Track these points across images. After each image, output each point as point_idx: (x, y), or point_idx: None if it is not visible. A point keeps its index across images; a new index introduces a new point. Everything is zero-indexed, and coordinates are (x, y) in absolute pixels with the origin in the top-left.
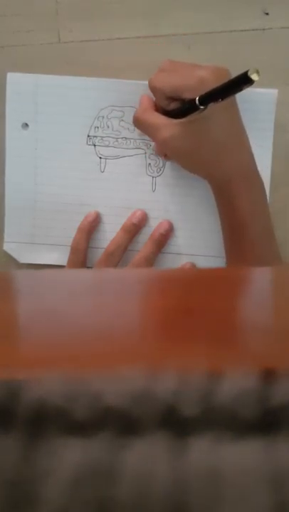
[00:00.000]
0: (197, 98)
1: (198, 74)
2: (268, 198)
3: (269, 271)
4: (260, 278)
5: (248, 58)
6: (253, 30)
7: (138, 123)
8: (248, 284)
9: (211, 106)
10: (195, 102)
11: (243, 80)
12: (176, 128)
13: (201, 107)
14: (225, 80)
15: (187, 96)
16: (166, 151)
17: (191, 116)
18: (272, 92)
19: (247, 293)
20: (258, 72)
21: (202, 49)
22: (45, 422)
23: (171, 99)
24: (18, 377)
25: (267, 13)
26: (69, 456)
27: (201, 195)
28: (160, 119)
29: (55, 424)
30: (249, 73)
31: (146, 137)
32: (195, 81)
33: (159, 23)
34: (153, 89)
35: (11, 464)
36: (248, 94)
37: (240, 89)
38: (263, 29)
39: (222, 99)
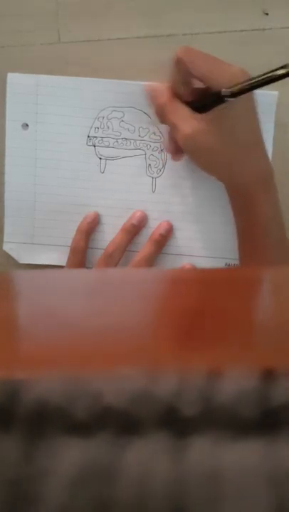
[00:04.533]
0: (229, 90)
1: (231, 69)
2: None
3: (268, 271)
4: (260, 278)
5: (248, 58)
6: (253, 30)
7: (162, 112)
8: (247, 284)
9: (233, 102)
10: (220, 94)
11: (283, 76)
12: (200, 123)
13: (226, 100)
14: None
15: (215, 87)
16: (186, 147)
17: (214, 111)
18: (273, 94)
19: (247, 293)
20: None
21: (202, 49)
22: (45, 421)
23: (188, 83)
24: (18, 377)
25: (267, 13)
26: (69, 456)
27: (201, 196)
28: (184, 111)
29: (55, 424)
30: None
31: (147, 138)
32: (229, 75)
33: (159, 23)
34: (181, 62)
35: (12, 463)
36: None
37: (273, 82)
38: (263, 29)
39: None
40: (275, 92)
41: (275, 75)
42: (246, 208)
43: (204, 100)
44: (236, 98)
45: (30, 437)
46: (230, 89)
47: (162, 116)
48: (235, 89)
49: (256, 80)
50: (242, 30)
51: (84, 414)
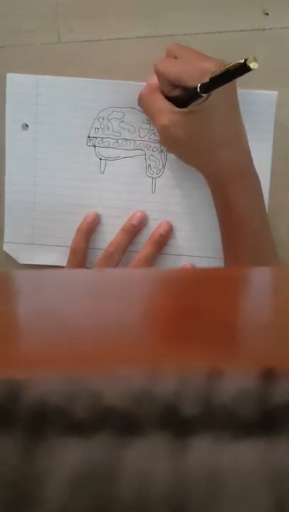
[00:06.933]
0: (198, 86)
1: (202, 65)
2: (267, 198)
3: (269, 271)
4: (260, 278)
5: None
6: (253, 30)
7: (142, 102)
8: (248, 284)
9: (213, 95)
10: (196, 90)
11: (242, 69)
12: (176, 116)
13: (203, 95)
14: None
15: (190, 85)
16: (162, 138)
17: (193, 106)
18: (273, 94)
19: (247, 293)
20: (256, 60)
21: (202, 49)
22: (45, 422)
23: (174, 85)
24: (18, 377)
25: (267, 13)
26: (69, 456)
27: (200, 197)
28: (163, 104)
29: (55, 424)
30: (248, 62)
31: (147, 138)
32: (199, 72)
33: (159, 23)
34: (157, 73)
35: (11, 464)
36: (248, 96)
37: (239, 76)
38: (263, 29)
39: (221, 85)
40: (275, 92)
41: (231, 67)
42: (221, 196)
43: (184, 96)
44: (212, 93)
45: (31, 437)
46: (198, 85)
47: (143, 107)
48: (201, 85)
49: (215, 74)
50: (242, 30)
51: (84, 414)
